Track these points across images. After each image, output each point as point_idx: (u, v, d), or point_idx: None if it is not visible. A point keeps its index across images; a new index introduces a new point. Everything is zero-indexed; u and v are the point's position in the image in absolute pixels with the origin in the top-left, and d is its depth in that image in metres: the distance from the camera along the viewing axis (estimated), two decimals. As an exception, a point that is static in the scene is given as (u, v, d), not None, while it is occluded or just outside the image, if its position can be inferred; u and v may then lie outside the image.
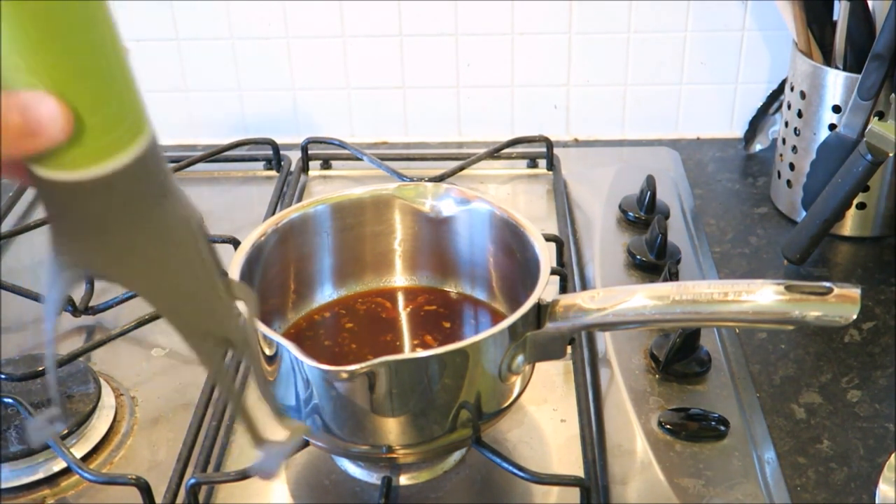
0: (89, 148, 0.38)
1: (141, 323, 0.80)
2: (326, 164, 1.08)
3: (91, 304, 0.83)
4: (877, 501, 0.65)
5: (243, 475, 0.65)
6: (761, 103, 1.12)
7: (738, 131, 1.15)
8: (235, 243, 0.88)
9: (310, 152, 1.07)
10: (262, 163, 1.08)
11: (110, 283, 0.44)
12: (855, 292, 0.58)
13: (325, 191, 1.04)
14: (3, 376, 0.73)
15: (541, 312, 0.64)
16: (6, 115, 0.35)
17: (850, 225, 0.95)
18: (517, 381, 0.65)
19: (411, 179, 0.95)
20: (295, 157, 1.08)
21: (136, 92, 0.39)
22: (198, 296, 0.44)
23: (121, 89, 0.38)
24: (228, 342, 0.44)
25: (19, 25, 0.35)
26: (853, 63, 0.90)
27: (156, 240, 0.42)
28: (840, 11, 0.89)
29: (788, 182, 0.98)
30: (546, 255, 0.66)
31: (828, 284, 0.59)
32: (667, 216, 0.96)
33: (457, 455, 0.70)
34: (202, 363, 0.44)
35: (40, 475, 0.69)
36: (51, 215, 0.41)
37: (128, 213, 0.40)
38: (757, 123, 1.12)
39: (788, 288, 0.59)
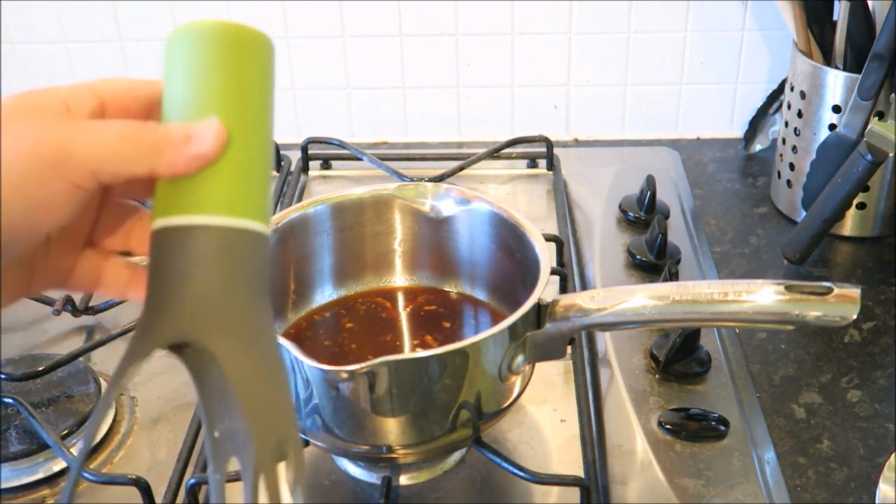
0: (221, 195, 0.41)
1: (141, 323, 0.80)
2: (326, 164, 1.08)
3: (91, 304, 0.83)
4: (877, 501, 0.65)
5: (243, 475, 0.65)
6: (761, 103, 1.12)
7: (738, 131, 1.15)
8: (235, 243, 0.87)
9: (310, 152, 1.07)
10: (262, 163, 1.08)
11: (196, 352, 0.42)
12: (855, 292, 0.58)
13: (325, 191, 1.04)
14: (3, 376, 0.73)
15: (541, 312, 0.64)
16: (172, 128, 0.40)
17: (850, 225, 0.95)
18: (517, 381, 0.65)
19: (411, 179, 0.95)
20: (295, 157, 1.08)
21: (269, 188, 0.43)
22: (279, 396, 0.42)
23: (264, 172, 0.43)
24: (285, 454, 0.43)
25: (224, 77, 0.41)
26: (853, 63, 0.90)
27: (252, 329, 0.42)
28: (840, 11, 0.89)
29: (788, 182, 0.98)
30: (546, 255, 0.66)
31: (828, 284, 0.59)
32: (667, 216, 0.96)
33: (457, 455, 0.70)
34: (258, 468, 0.42)
35: (40, 475, 0.69)
36: (156, 275, 0.41)
37: (234, 283, 0.41)
38: (757, 123, 1.12)
39: (788, 288, 0.59)
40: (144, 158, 0.39)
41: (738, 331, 0.82)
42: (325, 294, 0.76)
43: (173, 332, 0.41)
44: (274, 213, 0.92)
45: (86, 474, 0.66)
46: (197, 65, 0.41)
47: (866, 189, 0.92)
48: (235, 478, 0.65)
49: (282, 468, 0.62)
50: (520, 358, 0.63)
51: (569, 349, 0.76)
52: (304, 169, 1.07)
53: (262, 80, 0.43)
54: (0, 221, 0.37)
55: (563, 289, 0.84)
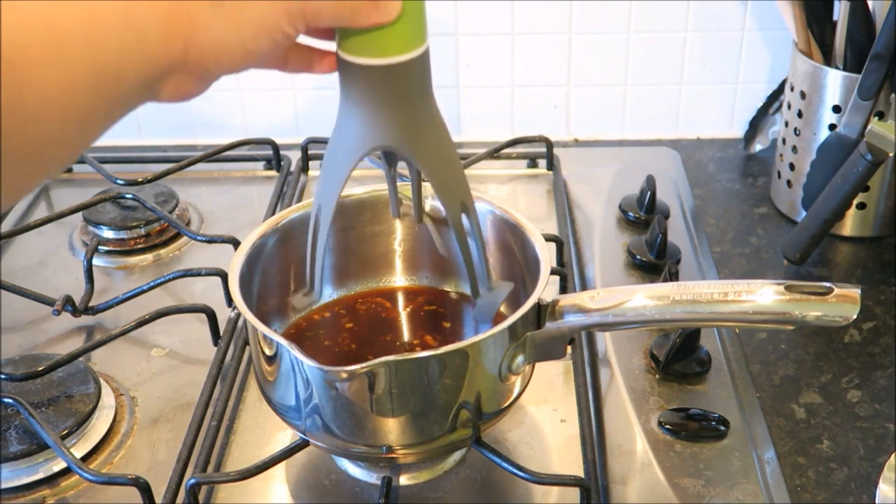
0: (398, 41, 0.55)
1: (141, 323, 0.80)
2: (326, 164, 1.08)
3: (91, 304, 0.83)
4: (877, 501, 0.65)
5: (243, 475, 0.65)
6: (761, 103, 1.12)
7: (738, 131, 1.15)
8: (235, 243, 0.88)
9: (310, 152, 1.07)
10: (262, 163, 1.08)
11: (399, 153, 0.60)
12: (855, 292, 0.58)
13: (325, 191, 1.04)
14: (3, 376, 0.73)
15: (541, 312, 0.64)
16: None
17: (850, 225, 0.95)
18: (517, 381, 0.65)
19: (411, 179, 0.95)
20: (295, 157, 1.08)
21: (425, 14, 0.56)
22: (455, 169, 0.61)
23: (422, 12, 0.55)
24: (466, 208, 0.62)
25: None
26: (853, 63, 0.90)
27: (431, 120, 0.59)
28: (840, 11, 0.89)
29: (788, 182, 0.98)
30: (546, 255, 0.66)
31: (828, 284, 0.59)
32: (667, 216, 0.96)
33: (457, 455, 0.70)
34: (452, 222, 0.61)
35: (40, 475, 0.69)
36: (353, 100, 0.58)
37: (416, 95, 0.57)
38: (757, 123, 1.12)
39: (788, 288, 0.59)
40: (348, 16, 0.53)
41: (738, 331, 0.82)
42: (325, 294, 0.76)
43: (383, 143, 0.59)
44: (274, 213, 0.93)
45: (86, 474, 0.66)
46: None
47: (866, 189, 0.92)
48: (235, 478, 0.65)
49: (278, 470, 0.66)
50: (520, 358, 0.63)
51: (569, 349, 0.76)
52: (304, 169, 1.07)
53: None
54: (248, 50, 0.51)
55: (563, 289, 0.84)
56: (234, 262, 0.66)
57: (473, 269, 0.64)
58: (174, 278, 0.85)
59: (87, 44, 0.44)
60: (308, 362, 0.57)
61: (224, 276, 0.83)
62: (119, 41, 0.46)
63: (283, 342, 0.58)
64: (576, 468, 0.69)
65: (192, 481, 0.64)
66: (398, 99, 0.57)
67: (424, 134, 0.59)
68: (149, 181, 0.99)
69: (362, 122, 0.58)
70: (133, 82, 0.47)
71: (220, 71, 0.51)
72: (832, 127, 0.92)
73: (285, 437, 0.72)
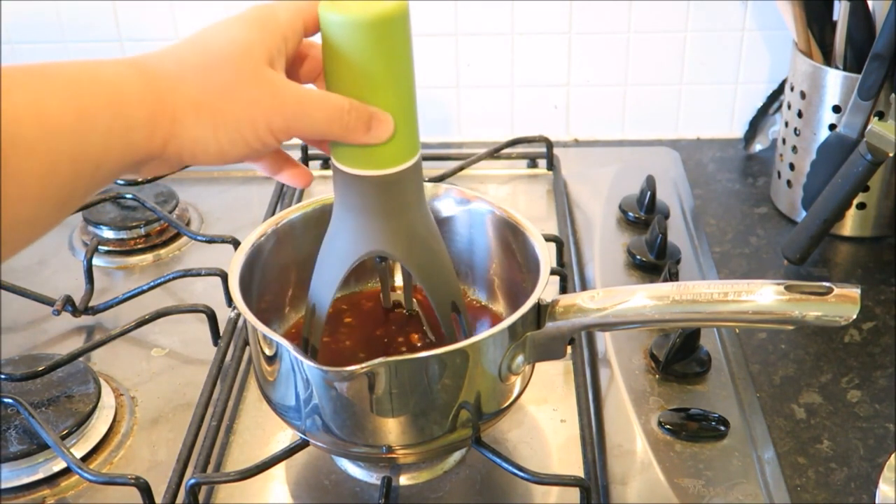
0: (391, 154, 0.57)
1: (141, 323, 0.80)
2: (326, 164, 1.08)
3: (91, 304, 0.83)
4: (877, 501, 0.65)
5: (243, 475, 0.65)
6: (761, 103, 1.12)
7: (738, 131, 1.15)
8: (235, 243, 0.88)
9: (310, 152, 1.07)
10: (262, 163, 1.08)
11: (392, 259, 0.65)
12: (855, 292, 0.58)
13: (325, 191, 1.03)
14: (3, 376, 0.73)
15: (541, 312, 0.64)
16: (363, 110, 0.55)
17: (850, 225, 0.95)
18: (517, 381, 0.65)
19: (411, 179, 0.95)
20: (295, 157, 1.07)
21: (417, 124, 0.59)
22: (445, 271, 0.64)
23: (414, 124, 0.59)
24: (457, 307, 0.65)
25: (393, 80, 0.56)
26: (853, 63, 0.90)
27: (422, 225, 0.61)
28: (840, 11, 0.89)
29: (788, 182, 0.98)
30: (546, 255, 0.66)
31: (828, 284, 0.59)
32: (667, 216, 0.96)
33: (457, 455, 0.70)
34: (443, 321, 0.64)
35: (40, 475, 0.69)
36: (347, 207, 0.60)
37: (407, 202, 0.60)
38: (757, 123, 1.12)
39: (788, 288, 0.59)
40: (338, 134, 0.55)
41: (738, 331, 0.82)
42: (325, 294, 0.76)
43: (376, 249, 0.60)
44: (274, 213, 0.93)
45: (86, 474, 0.66)
46: (366, 53, 0.54)
47: (866, 189, 0.92)
48: (235, 478, 0.65)
49: (278, 470, 0.66)
50: (520, 358, 0.63)
51: (569, 349, 0.76)
52: (304, 169, 1.06)
53: (410, 50, 0.57)
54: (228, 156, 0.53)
55: (563, 289, 0.84)
56: (234, 262, 0.66)
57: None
58: (174, 278, 0.85)
59: (72, 135, 0.45)
60: (308, 362, 0.57)
61: (224, 276, 0.83)
62: (104, 133, 0.47)
63: (283, 342, 0.58)
64: (576, 468, 0.69)
65: (192, 481, 0.64)
66: (391, 206, 0.59)
67: (415, 239, 0.61)
68: (149, 181, 0.99)
69: (356, 229, 0.60)
70: (112, 169, 0.49)
71: (195, 163, 0.53)
72: (832, 127, 0.92)
73: (285, 437, 0.72)
